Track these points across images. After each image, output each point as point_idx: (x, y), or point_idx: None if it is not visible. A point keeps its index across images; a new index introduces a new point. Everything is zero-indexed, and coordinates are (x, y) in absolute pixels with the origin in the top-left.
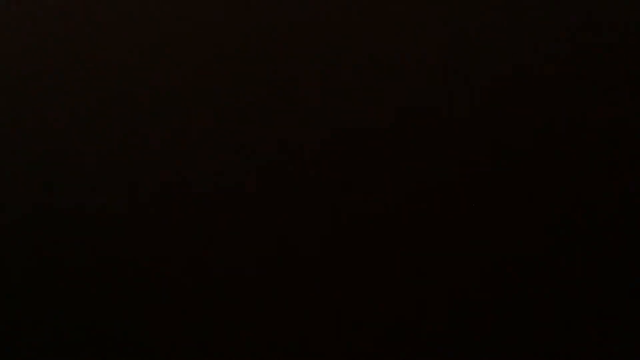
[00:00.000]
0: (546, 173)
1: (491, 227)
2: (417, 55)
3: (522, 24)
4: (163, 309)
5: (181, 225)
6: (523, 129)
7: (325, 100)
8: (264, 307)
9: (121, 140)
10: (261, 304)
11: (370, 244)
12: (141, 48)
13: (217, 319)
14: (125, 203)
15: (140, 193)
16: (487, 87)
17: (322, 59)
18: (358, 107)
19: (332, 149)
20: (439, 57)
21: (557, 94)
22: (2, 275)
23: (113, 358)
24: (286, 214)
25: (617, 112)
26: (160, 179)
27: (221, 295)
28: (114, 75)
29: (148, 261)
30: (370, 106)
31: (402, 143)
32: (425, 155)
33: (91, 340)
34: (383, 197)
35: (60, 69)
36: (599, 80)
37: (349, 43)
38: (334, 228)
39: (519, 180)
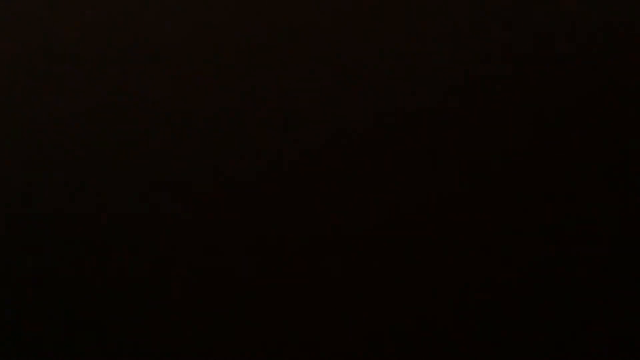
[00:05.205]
0: (545, 174)
1: (489, 229)
2: (413, 57)
3: (515, 24)
4: (162, 309)
5: (181, 225)
6: (518, 129)
7: (321, 101)
8: (263, 308)
9: (121, 140)
10: (260, 304)
11: (368, 245)
12: (140, 48)
13: (217, 320)
14: (124, 203)
15: (140, 194)
16: (484, 86)
17: (320, 60)
18: (354, 108)
19: (330, 150)
20: (437, 58)
21: (556, 94)
22: (2, 276)
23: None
24: (284, 216)
25: (616, 112)
26: (159, 180)
27: (221, 295)
28: (112, 75)
29: (147, 262)
30: (366, 107)
31: (401, 144)
32: (424, 157)
33: (90, 340)
34: (382, 198)
35: (60, 69)
36: (598, 81)
37: (345, 44)
38: (333, 228)
39: (517, 181)
